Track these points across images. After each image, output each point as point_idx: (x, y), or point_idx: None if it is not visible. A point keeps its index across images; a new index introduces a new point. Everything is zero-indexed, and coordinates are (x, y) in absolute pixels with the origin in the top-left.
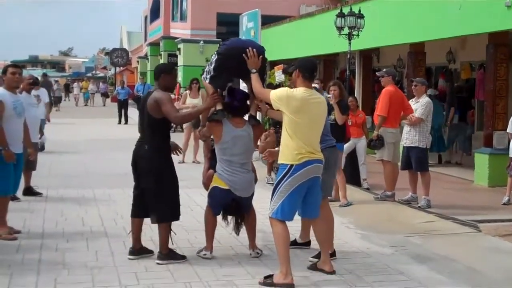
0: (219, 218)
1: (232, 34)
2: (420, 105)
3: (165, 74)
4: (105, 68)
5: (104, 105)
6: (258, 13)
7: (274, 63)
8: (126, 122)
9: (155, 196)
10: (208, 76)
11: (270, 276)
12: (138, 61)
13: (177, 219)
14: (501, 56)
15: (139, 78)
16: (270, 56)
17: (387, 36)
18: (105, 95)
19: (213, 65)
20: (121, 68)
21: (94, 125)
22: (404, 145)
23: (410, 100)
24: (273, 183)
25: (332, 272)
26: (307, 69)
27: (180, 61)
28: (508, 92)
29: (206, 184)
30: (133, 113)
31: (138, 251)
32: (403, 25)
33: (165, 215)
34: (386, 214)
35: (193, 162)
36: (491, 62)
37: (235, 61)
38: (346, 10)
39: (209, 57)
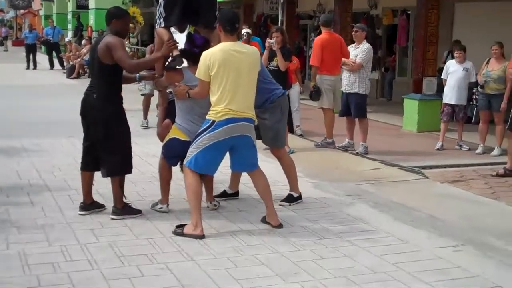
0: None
1: None
2: (360, 51)
3: (117, 19)
4: (1, 10)
5: (6, 50)
6: None
7: None
8: (34, 67)
9: (105, 148)
10: (162, 20)
11: (182, 226)
12: (42, 4)
13: (129, 172)
14: (432, 2)
15: (49, 21)
16: None
17: None
18: (5, 38)
19: (162, 5)
20: (23, 11)
21: (1, 71)
22: (344, 91)
23: (350, 46)
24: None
25: (279, 226)
26: (228, 22)
27: (92, 3)
28: (439, 38)
29: (161, 135)
30: (42, 58)
31: (89, 206)
32: None
33: (116, 168)
34: (331, 161)
35: None
36: (422, 7)
37: None
38: None
39: None
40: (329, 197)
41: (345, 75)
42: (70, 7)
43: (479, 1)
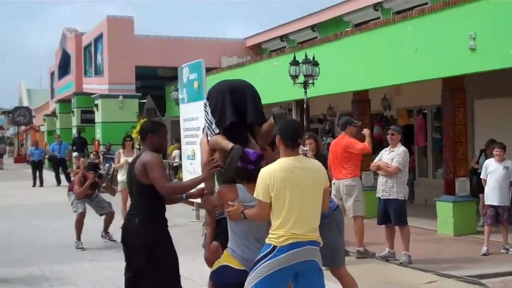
0: None
1: (152, 88)
2: (396, 154)
3: (152, 134)
4: (1, 127)
5: (2, 168)
6: (202, 64)
7: None
8: (41, 185)
9: (151, 280)
10: (213, 126)
11: None
12: (44, 119)
13: None
14: (458, 101)
15: (55, 136)
16: None
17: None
18: (0, 156)
19: (209, 112)
20: (25, 127)
21: (7, 190)
22: (381, 197)
23: (384, 149)
24: None
25: None
26: (290, 137)
27: (98, 117)
28: (468, 137)
29: (209, 260)
30: (47, 174)
31: None
32: (352, 72)
33: None
34: (380, 275)
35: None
36: (448, 107)
37: (228, 93)
38: (300, 57)
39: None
40: None
41: (381, 180)
42: (75, 121)
43: (498, 97)
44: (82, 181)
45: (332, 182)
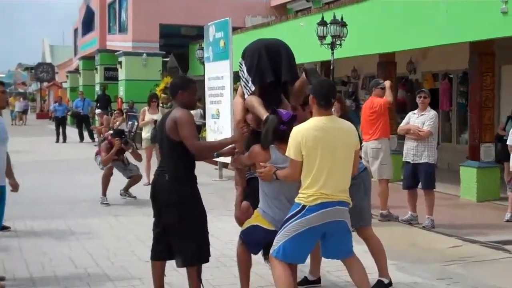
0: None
1: (175, 46)
2: (428, 117)
3: (183, 90)
4: (23, 83)
5: (25, 124)
6: (229, 22)
7: None
8: (64, 141)
9: (179, 234)
10: (250, 84)
11: None
12: (67, 76)
13: (207, 260)
14: (486, 66)
15: (79, 93)
16: None
17: (367, 45)
18: (24, 112)
19: (245, 71)
20: (47, 83)
21: (31, 145)
22: (411, 161)
23: (412, 113)
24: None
25: None
26: (324, 96)
27: (122, 75)
28: (495, 102)
29: (240, 219)
30: (70, 131)
31: None
32: (380, 34)
33: (194, 256)
34: (403, 238)
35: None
36: (476, 71)
37: (264, 51)
38: (328, 17)
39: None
40: (420, 282)
41: (411, 144)
42: (98, 78)
43: None
44: (108, 147)
45: (362, 145)
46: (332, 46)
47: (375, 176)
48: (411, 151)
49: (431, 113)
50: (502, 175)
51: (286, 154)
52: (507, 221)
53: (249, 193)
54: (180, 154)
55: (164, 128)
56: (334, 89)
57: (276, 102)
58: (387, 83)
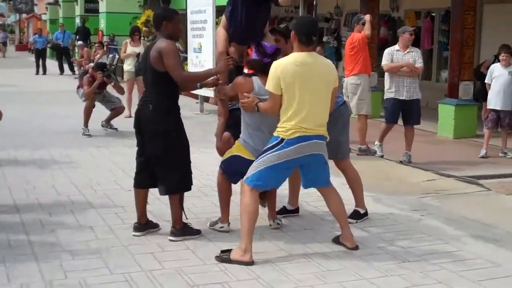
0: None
1: None
2: (418, 55)
3: (167, 21)
4: (2, 15)
5: (4, 57)
6: None
7: None
8: (44, 73)
9: (163, 164)
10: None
11: (228, 251)
12: (47, 8)
13: (189, 189)
14: (468, 4)
15: (59, 25)
16: None
17: None
18: (4, 44)
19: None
20: (26, 15)
21: (11, 77)
22: (406, 98)
23: (395, 49)
24: None
25: (355, 248)
26: (305, 34)
27: (102, 7)
28: (475, 41)
29: (221, 149)
30: (50, 63)
31: (144, 226)
32: None
33: (176, 185)
34: (381, 172)
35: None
36: (457, 9)
37: None
38: None
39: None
40: (395, 213)
41: (403, 81)
42: (78, 10)
43: (508, 3)
44: (90, 81)
45: (343, 81)
46: None
47: (353, 111)
48: (404, 88)
49: (418, 50)
50: (479, 114)
51: (266, 87)
52: (482, 157)
53: (231, 123)
54: (164, 85)
55: (149, 58)
56: (316, 26)
57: (259, 34)
58: (367, 17)
